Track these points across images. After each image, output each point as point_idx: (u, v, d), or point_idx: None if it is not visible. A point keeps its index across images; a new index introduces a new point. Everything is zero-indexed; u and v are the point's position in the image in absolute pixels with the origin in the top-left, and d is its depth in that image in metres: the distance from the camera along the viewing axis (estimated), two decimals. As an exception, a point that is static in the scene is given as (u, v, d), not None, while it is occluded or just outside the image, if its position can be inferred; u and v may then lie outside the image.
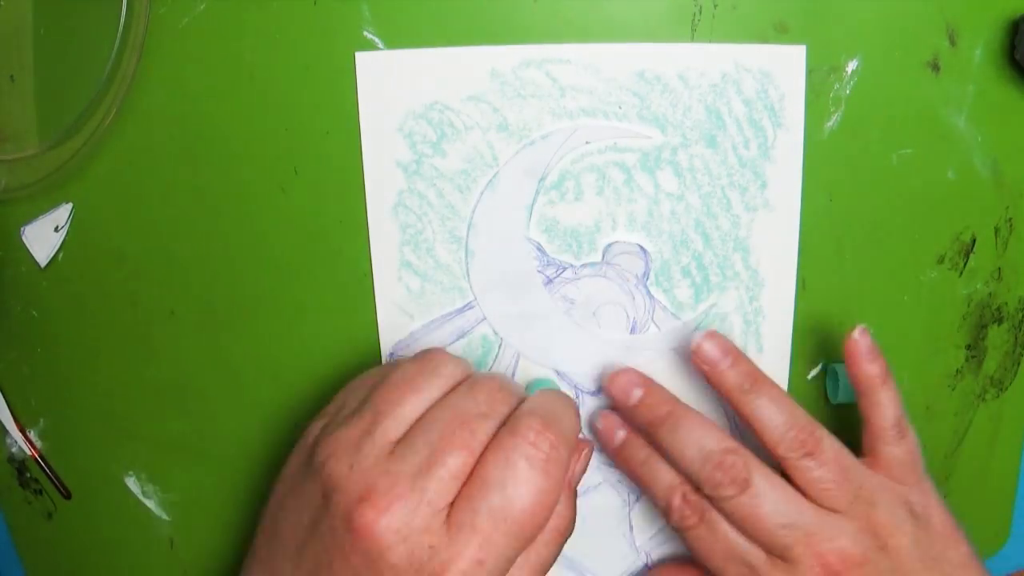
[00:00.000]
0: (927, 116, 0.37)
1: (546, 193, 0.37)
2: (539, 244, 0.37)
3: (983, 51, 0.37)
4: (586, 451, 0.33)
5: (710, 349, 0.35)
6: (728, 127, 0.36)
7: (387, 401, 0.30)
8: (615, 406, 0.37)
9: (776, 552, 0.33)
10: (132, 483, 0.41)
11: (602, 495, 0.40)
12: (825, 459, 0.34)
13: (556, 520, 0.31)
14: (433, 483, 0.28)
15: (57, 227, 0.38)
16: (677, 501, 0.34)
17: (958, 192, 0.38)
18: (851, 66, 0.36)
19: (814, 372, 0.39)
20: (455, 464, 0.29)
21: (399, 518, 0.28)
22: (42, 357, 0.41)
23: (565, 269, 0.37)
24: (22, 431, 0.42)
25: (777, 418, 0.34)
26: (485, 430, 0.30)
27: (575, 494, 0.33)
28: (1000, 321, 0.41)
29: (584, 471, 0.33)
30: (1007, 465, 0.43)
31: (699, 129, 0.36)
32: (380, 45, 0.35)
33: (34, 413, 0.42)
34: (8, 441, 0.42)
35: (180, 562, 0.42)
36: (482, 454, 0.29)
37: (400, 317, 0.38)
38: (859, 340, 0.35)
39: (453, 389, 0.31)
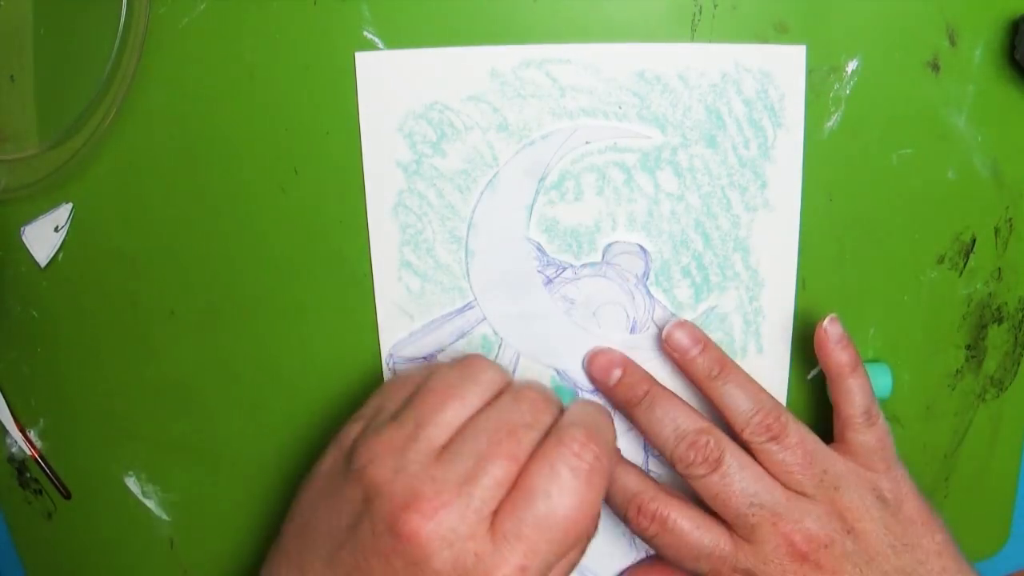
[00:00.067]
0: (927, 116, 0.37)
1: (546, 193, 0.37)
2: (539, 244, 0.37)
3: (983, 51, 0.37)
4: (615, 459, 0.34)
5: (680, 337, 0.36)
6: (728, 127, 0.36)
7: (430, 407, 0.31)
8: (594, 385, 0.38)
9: (742, 532, 0.34)
10: (132, 483, 0.41)
11: (602, 495, 0.40)
12: (790, 443, 0.35)
13: None
14: (479, 491, 0.29)
15: (57, 227, 0.38)
16: (632, 513, 0.35)
17: (958, 192, 0.38)
18: (851, 66, 0.36)
19: (814, 372, 0.39)
20: (501, 472, 0.29)
21: (445, 525, 0.28)
22: (42, 357, 0.41)
23: (565, 269, 0.37)
24: (22, 431, 0.42)
25: (744, 403, 0.35)
26: (530, 439, 0.30)
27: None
28: (1000, 321, 0.41)
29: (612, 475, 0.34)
30: (1007, 465, 0.43)
31: (699, 129, 0.36)
32: (380, 45, 0.35)
33: (34, 413, 0.42)
34: (8, 441, 0.42)
35: (180, 562, 0.42)
36: (526, 463, 0.30)
37: (400, 317, 0.38)
38: (829, 328, 0.36)
39: (495, 397, 0.32)
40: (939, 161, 0.38)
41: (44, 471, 0.42)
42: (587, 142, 0.36)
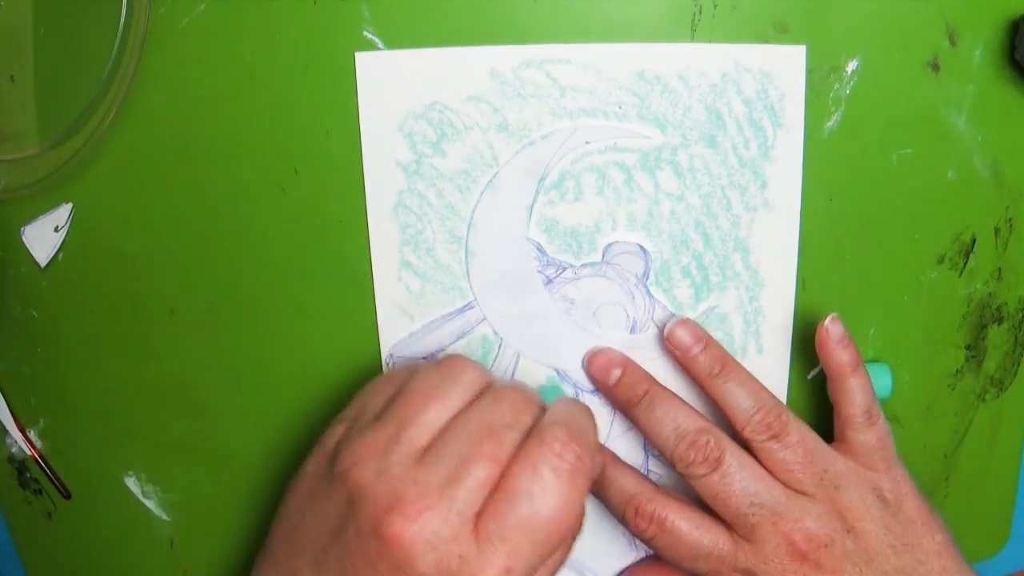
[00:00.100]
0: (927, 116, 0.37)
1: (546, 193, 0.37)
2: (539, 244, 0.37)
3: (983, 51, 0.37)
4: (599, 459, 0.33)
5: (682, 335, 0.36)
6: (728, 127, 0.36)
7: (411, 408, 0.31)
8: (594, 385, 0.38)
9: (742, 532, 0.34)
10: (132, 483, 0.41)
11: (602, 495, 0.40)
12: (790, 441, 0.35)
13: None
14: (461, 493, 0.29)
15: (57, 227, 0.38)
16: (630, 514, 0.35)
17: (958, 192, 0.38)
18: (851, 66, 0.36)
19: (814, 372, 0.39)
20: (483, 474, 0.29)
21: (429, 528, 0.28)
22: (42, 357, 0.41)
23: (565, 269, 0.37)
24: (22, 431, 0.42)
25: (745, 401, 0.35)
26: (511, 440, 0.30)
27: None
28: (1000, 321, 0.41)
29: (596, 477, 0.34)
30: (1007, 465, 0.43)
31: (699, 129, 0.36)
32: (380, 45, 0.35)
33: (34, 413, 0.42)
34: (8, 441, 0.42)
35: (180, 562, 0.42)
36: (508, 464, 0.29)
37: (400, 317, 0.38)
38: (830, 328, 0.36)
39: (476, 397, 0.32)
40: (939, 161, 0.38)
41: (44, 471, 0.42)
42: (587, 142, 0.36)
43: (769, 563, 0.34)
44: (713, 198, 0.37)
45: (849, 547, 0.34)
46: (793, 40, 0.35)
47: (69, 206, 0.38)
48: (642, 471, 0.39)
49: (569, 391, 0.38)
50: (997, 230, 0.39)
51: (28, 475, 0.43)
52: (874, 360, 0.40)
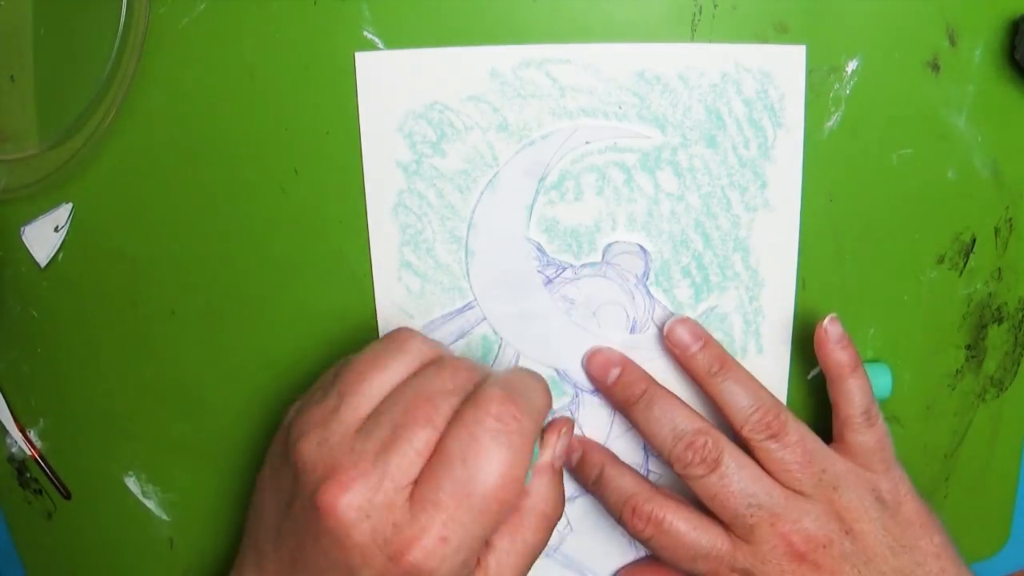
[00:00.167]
0: (927, 116, 0.37)
1: (546, 193, 0.37)
2: (539, 244, 0.37)
3: (983, 51, 0.37)
4: (565, 428, 0.33)
5: (681, 333, 0.36)
6: (728, 127, 0.36)
7: (353, 379, 0.30)
8: (593, 384, 0.38)
9: (740, 533, 0.34)
10: (132, 483, 0.41)
11: (602, 495, 0.40)
12: (789, 441, 0.35)
13: (539, 503, 0.31)
14: (395, 459, 0.28)
15: (57, 227, 0.38)
16: (627, 515, 0.35)
17: (958, 192, 0.38)
18: (851, 66, 0.36)
19: (814, 372, 0.39)
20: (418, 440, 0.28)
21: (361, 495, 0.27)
22: (42, 357, 0.41)
23: (565, 269, 0.37)
24: (22, 431, 0.42)
25: (744, 400, 0.35)
26: (449, 405, 0.29)
27: (560, 475, 0.32)
28: (1000, 321, 0.41)
29: (564, 449, 0.33)
30: (1007, 465, 0.43)
31: (699, 129, 0.36)
32: (380, 45, 0.35)
33: (34, 413, 0.42)
34: (8, 441, 0.42)
35: (180, 562, 0.42)
36: (445, 429, 0.29)
37: (400, 317, 0.38)
38: (829, 328, 0.36)
39: (421, 368, 0.31)
40: (939, 161, 0.38)
41: (44, 471, 0.42)
42: (587, 142, 0.36)
43: (767, 564, 0.34)
44: (713, 198, 0.37)
45: (847, 548, 0.34)
46: (793, 40, 0.35)
47: (69, 206, 0.38)
48: (642, 471, 0.39)
49: (569, 391, 0.38)
50: (997, 230, 0.39)
51: (28, 475, 0.43)
52: (874, 360, 0.40)
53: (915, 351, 0.40)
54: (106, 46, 0.35)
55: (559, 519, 0.32)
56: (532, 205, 0.37)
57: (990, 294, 0.40)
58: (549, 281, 0.38)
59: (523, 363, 0.38)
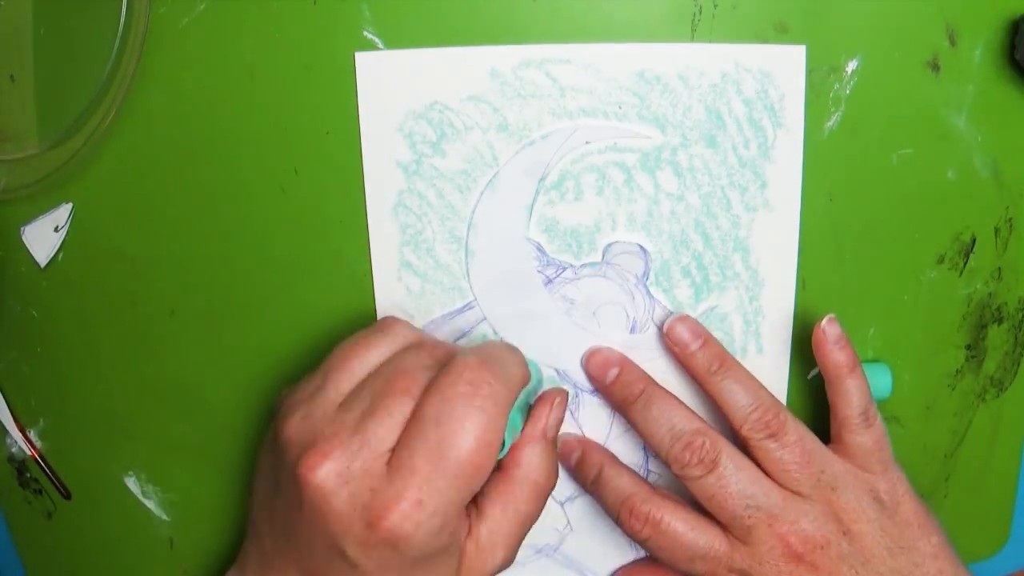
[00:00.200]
0: (927, 116, 0.37)
1: (546, 193, 0.37)
2: (539, 244, 0.37)
3: (983, 51, 0.37)
4: (559, 399, 0.34)
5: (681, 332, 0.37)
6: (728, 127, 0.36)
7: (338, 360, 0.31)
8: (592, 384, 0.38)
9: (738, 534, 0.34)
10: (132, 483, 0.41)
11: (602, 495, 0.40)
12: (788, 441, 0.35)
13: (531, 472, 0.32)
14: (373, 427, 0.29)
15: (57, 227, 0.38)
16: (624, 515, 0.35)
17: (958, 192, 0.38)
18: (851, 66, 0.36)
19: (814, 372, 0.39)
20: (396, 408, 0.29)
21: (340, 463, 0.28)
22: (42, 357, 0.41)
23: (565, 269, 0.37)
24: (22, 431, 0.42)
25: (743, 399, 0.35)
26: (426, 376, 0.30)
27: (554, 446, 0.33)
28: (1000, 321, 0.41)
29: (560, 420, 0.34)
30: (1007, 465, 0.43)
31: (699, 129, 0.36)
32: (380, 45, 0.35)
33: (34, 413, 0.42)
34: (8, 441, 0.42)
35: (180, 562, 0.42)
36: (421, 397, 0.29)
37: (400, 317, 0.38)
38: (827, 329, 0.36)
39: (402, 349, 0.32)
40: (939, 161, 0.38)
41: (44, 471, 0.42)
42: (587, 142, 0.36)
43: (765, 564, 0.34)
44: (713, 198, 0.37)
45: (845, 549, 0.34)
46: (793, 40, 0.35)
47: (69, 206, 0.38)
48: (641, 472, 0.39)
49: (569, 391, 0.38)
50: (997, 230, 0.39)
51: (28, 475, 0.43)
52: (874, 360, 0.40)
53: (915, 351, 0.40)
54: (106, 46, 0.35)
55: (552, 489, 0.33)
56: (532, 205, 0.37)
57: (990, 294, 0.40)
58: (549, 281, 0.38)
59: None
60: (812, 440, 0.35)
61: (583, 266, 0.37)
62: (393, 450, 0.29)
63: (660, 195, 0.37)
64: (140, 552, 0.42)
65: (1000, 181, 0.39)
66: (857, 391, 0.35)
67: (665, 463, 0.35)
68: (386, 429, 0.29)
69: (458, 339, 0.38)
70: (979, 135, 0.38)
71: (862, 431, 0.35)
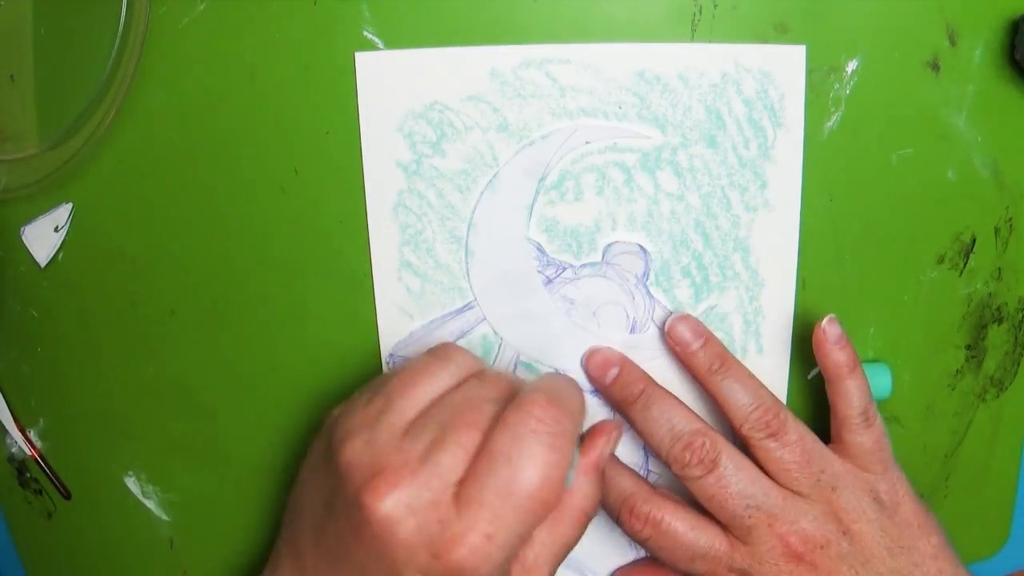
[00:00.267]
0: (927, 116, 0.37)
1: (546, 193, 0.37)
2: (539, 244, 0.37)
3: (983, 51, 0.37)
4: (615, 434, 0.33)
5: (682, 331, 0.37)
6: (728, 127, 0.36)
7: (402, 385, 0.31)
8: (592, 384, 0.38)
9: (738, 534, 0.34)
10: (132, 483, 0.41)
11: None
12: (788, 440, 0.35)
13: (581, 500, 0.32)
14: (443, 457, 0.29)
15: (57, 227, 0.38)
16: (625, 515, 0.35)
17: (958, 192, 0.38)
18: (851, 66, 0.36)
19: (814, 372, 0.39)
20: (464, 440, 0.29)
21: (408, 493, 0.28)
22: (42, 357, 0.41)
23: (565, 269, 0.37)
24: (22, 431, 0.42)
25: (743, 398, 0.35)
26: (493, 410, 0.30)
27: (602, 475, 0.33)
28: (1000, 321, 0.41)
29: (612, 452, 0.34)
30: (1007, 465, 0.43)
31: (699, 129, 0.36)
32: (380, 45, 0.35)
33: (34, 413, 0.42)
34: (8, 441, 0.42)
35: (180, 562, 0.42)
36: (490, 431, 0.29)
37: (400, 317, 0.38)
38: (827, 329, 0.36)
39: (464, 379, 0.32)
40: (939, 161, 0.38)
41: (44, 471, 0.42)
42: (587, 142, 0.36)
43: (764, 564, 0.34)
44: (713, 198, 0.37)
45: (845, 549, 0.34)
46: (793, 40, 0.35)
47: (69, 206, 0.38)
48: (642, 472, 0.39)
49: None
50: (997, 230, 0.39)
51: (28, 475, 0.43)
52: (874, 360, 0.40)
53: (915, 351, 0.40)
54: (106, 46, 0.35)
55: (595, 515, 0.32)
56: (532, 205, 0.37)
57: (990, 294, 0.40)
58: (549, 281, 0.38)
59: (523, 363, 0.38)
60: (812, 440, 0.35)
61: (583, 266, 0.37)
62: (461, 482, 0.29)
63: (660, 195, 0.37)
64: (140, 552, 0.42)
65: (1000, 181, 0.39)
66: (857, 391, 0.35)
67: (665, 463, 0.35)
68: (456, 461, 0.29)
69: (458, 339, 0.38)
70: (979, 135, 0.38)
71: (862, 431, 0.35)
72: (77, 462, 0.42)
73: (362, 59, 0.35)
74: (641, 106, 0.36)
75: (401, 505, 0.28)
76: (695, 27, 0.35)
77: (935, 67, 0.36)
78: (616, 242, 0.37)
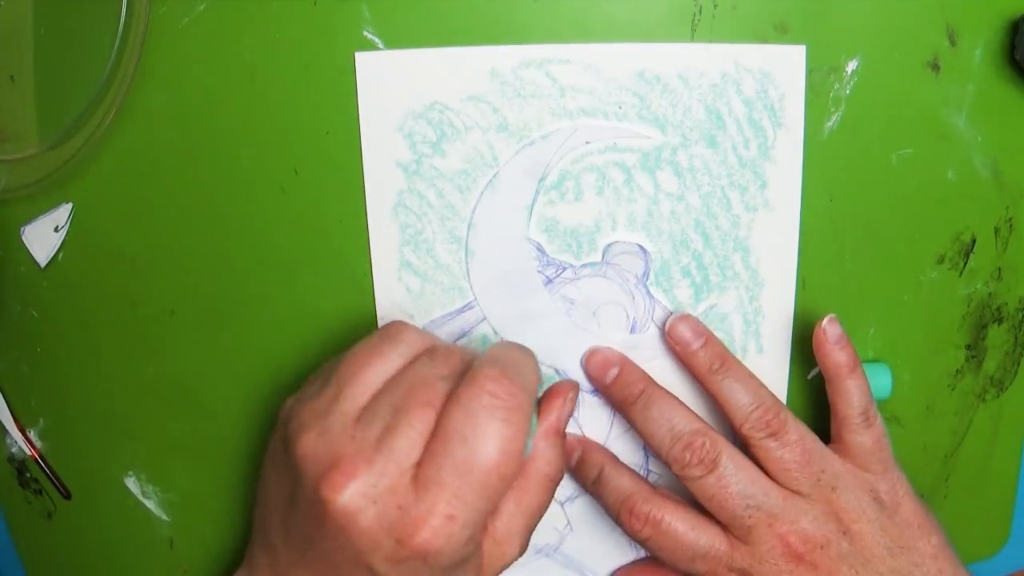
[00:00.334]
0: (927, 116, 0.37)
1: (546, 193, 0.37)
2: (539, 244, 0.37)
3: (983, 51, 0.37)
4: (571, 394, 0.33)
5: (683, 330, 0.37)
6: (728, 127, 0.36)
7: (351, 370, 0.31)
8: (592, 384, 0.38)
9: (738, 534, 0.34)
10: (132, 483, 0.41)
11: (602, 495, 0.40)
12: (788, 440, 0.35)
13: (544, 466, 0.32)
14: (397, 442, 0.28)
15: (57, 227, 0.38)
16: (625, 515, 0.35)
17: (958, 192, 0.38)
18: (851, 66, 0.36)
19: (814, 372, 0.39)
20: (418, 422, 0.29)
21: (365, 482, 0.28)
22: (42, 357, 0.41)
23: (565, 269, 0.37)
24: (22, 431, 0.42)
25: (744, 398, 0.35)
26: (446, 386, 0.30)
27: (563, 438, 0.33)
28: (1000, 321, 0.41)
29: (571, 413, 0.33)
30: (1007, 465, 0.43)
31: (699, 129, 0.36)
32: (380, 45, 0.35)
33: (34, 413, 0.42)
34: (8, 441, 0.42)
35: (180, 562, 0.42)
36: (443, 409, 0.29)
37: (400, 317, 0.38)
38: (828, 329, 0.36)
39: (416, 357, 0.31)
40: (939, 161, 0.38)
41: (44, 471, 0.42)
42: (587, 142, 0.36)
43: (765, 564, 0.34)
44: (713, 198, 0.37)
45: (845, 549, 0.34)
46: (793, 40, 0.35)
47: (69, 206, 0.38)
48: (642, 472, 0.39)
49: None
50: (997, 230, 0.39)
51: (28, 475, 0.43)
52: (874, 360, 0.40)
53: (915, 351, 0.40)
54: (106, 46, 0.35)
55: (561, 479, 0.32)
56: (532, 205, 0.37)
57: (990, 294, 0.40)
58: (549, 281, 0.38)
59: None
60: (812, 440, 0.35)
61: (583, 266, 0.37)
62: (418, 464, 0.28)
63: (660, 195, 0.37)
64: (140, 552, 0.42)
65: (1000, 181, 0.39)
66: (857, 391, 0.35)
67: (665, 463, 0.35)
68: (410, 444, 0.28)
69: (458, 339, 0.38)
70: (979, 135, 0.38)
71: (862, 431, 0.35)
72: (77, 462, 0.42)
73: (362, 59, 0.35)
74: (641, 106, 0.36)
75: (359, 495, 0.28)
76: (695, 27, 0.35)
77: (935, 67, 0.36)
78: (616, 242, 0.37)
